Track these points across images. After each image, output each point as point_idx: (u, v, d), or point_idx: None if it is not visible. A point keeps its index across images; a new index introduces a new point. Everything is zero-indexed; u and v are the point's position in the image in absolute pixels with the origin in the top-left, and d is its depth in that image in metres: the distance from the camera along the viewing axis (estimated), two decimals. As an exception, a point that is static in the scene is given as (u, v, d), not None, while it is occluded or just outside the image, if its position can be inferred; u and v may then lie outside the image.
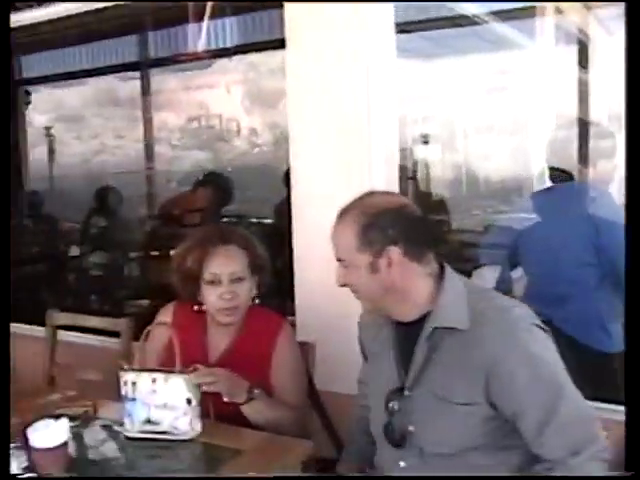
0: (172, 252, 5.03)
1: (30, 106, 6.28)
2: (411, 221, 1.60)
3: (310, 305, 2.69)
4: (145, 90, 5.67)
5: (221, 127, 6.10)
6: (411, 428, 1.59)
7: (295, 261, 2.69)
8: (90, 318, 2.78)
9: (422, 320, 1.61)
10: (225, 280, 2.01)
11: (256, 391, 1.90)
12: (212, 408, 1.89)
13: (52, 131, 6.50)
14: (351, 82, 2.48)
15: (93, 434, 1.86)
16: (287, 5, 2.59)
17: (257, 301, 2.12)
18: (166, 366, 1.91)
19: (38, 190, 5.76)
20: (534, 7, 3.53)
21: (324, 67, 2.52)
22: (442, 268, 1.65)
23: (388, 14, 2.50)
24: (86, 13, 3.56)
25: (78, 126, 6.48)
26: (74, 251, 5.04)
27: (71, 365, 2.78)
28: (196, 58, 5.54)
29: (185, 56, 5.53)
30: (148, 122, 5.73)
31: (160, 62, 5.75)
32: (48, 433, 1.61)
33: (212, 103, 5.95)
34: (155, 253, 5.11)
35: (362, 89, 2.47)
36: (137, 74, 5.85)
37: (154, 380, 1.81)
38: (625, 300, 1.47)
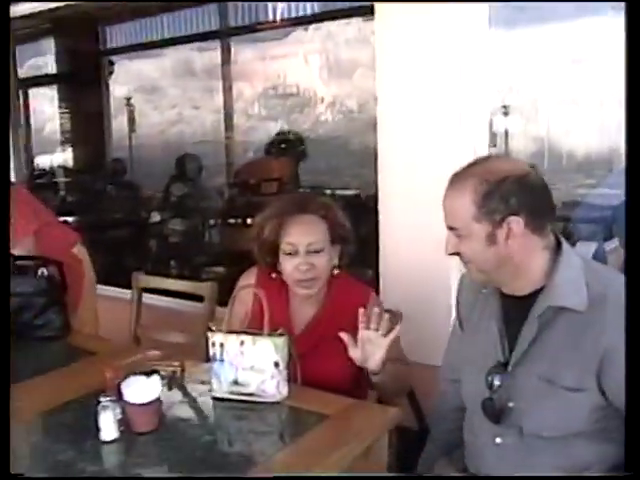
0: (249, 220, 5.17)
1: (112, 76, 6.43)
2: (534, 190, 1.49)
3: (394, 276, 2.67)
4: (224, 60, 5.70)
5: (298, 96, 6.08)
6: (511, 404, 1.54)
7: (380, 231, 2.68)
8: (175, 282, 2.83)
9: (534, 295, 1.53)
10: (302, 251, 1.99)
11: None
12: (299, 371, 1.89)
13: (132, 101, 6.61)
14: (442, 51, 2.43)
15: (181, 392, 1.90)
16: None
17: (336, 272, 2.09)
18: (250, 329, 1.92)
19: (121, 158, 5.89)
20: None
21: (413, 36, 2.47)
22: (559, 242, 1.56)
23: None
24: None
25: (156, 96, 6.59)
26: (155, 217, 5.13)
27: (156, 327, 2.84)
28: (275, 27, 5.56)
29: (265, 24, 5.55)
30: (227, 91, 5.78)
31: (239, 31, 5.77)
32: (141, 389, 1.65)
33: (289, 73, 5.94)
34: (232, 221, 5.20)
35: (453, 57, 2.41)
36: (215, 44, 5.92)
37: (242, 342, 1.82)
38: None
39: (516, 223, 1.47)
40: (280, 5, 5.48)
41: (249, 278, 2.18)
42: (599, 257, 2.72)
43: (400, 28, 2.52)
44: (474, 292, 1.72)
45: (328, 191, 4.99)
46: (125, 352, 2.18)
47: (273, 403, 1.80)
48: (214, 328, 1.88)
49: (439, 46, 2.44)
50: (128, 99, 6.61)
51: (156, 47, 6.10)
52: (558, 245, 1.55)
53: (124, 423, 1.65)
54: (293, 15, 5.54)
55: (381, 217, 2.69)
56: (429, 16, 2.43)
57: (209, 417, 1.83)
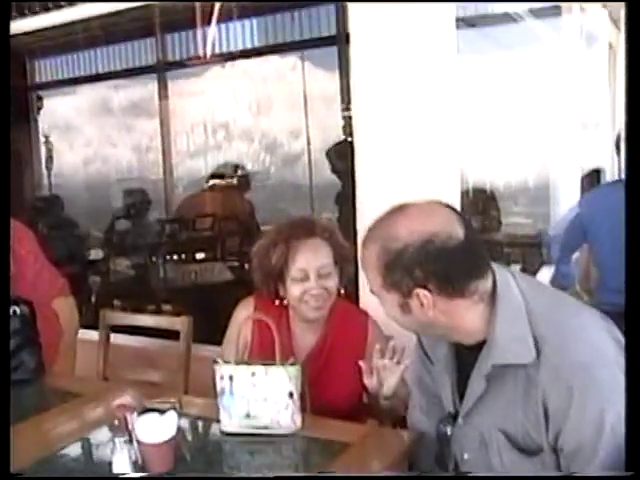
0: (197, 256, 5.05)
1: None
2: (440, 256, 1.29)
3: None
4: (162, 95, 5.60)
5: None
6: (466, 456, 1.48)
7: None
8: (147, 317, 2.71)
9: (481, 346, 1.39)
10: (313, 275, 1.96)
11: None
12: (308, 401, 1.84)
13: (50, 139, 6.42)
14: (413, 75, 2.45)
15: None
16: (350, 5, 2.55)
17: (342, 292, 2.07)
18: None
19: (58, 194, 5.69)
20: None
21: (386, 62, 2.49)
22: (494, 284, 1.37)
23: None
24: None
25: (71, 135, 6.42)
26: (97, 255, 4.95)
27: (126, 366, 2.71)
28: (206, 62, 5.52)
29: (197, 59, 5.51)
30: (164, 127, 5.68)
31: (174, 66, 5.70)
32: (157, 427, 1.55)
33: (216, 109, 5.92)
34: (176, 257, 5.07)
35: (425, 81, 2.44)
36: (143, 80, 5.85)
37: (253, 373, 1.74)
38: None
39: (424, 296, 1.32)
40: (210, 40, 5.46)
41: (246, 308, 2.12)
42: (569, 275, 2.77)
43: (373, 54, 2.53)
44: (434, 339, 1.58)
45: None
46: (114, 392, 2.06)
47: (288, 435, 1.73)
48: (220, 360, 1.80)
49: (410, 71, 2.46)
50: (46, 137, 6.40)
51: (88, 82, 5.94)
52: (494, 289, 1.37)
53: (138, 464, 1.55)
54: (225, 49, 5.52)
55: (358, 225, 2.65)
56: (401, 40, 2.45)
57: (223, 453, 1.74)
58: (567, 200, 5.20)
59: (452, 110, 2.49)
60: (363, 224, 2.56)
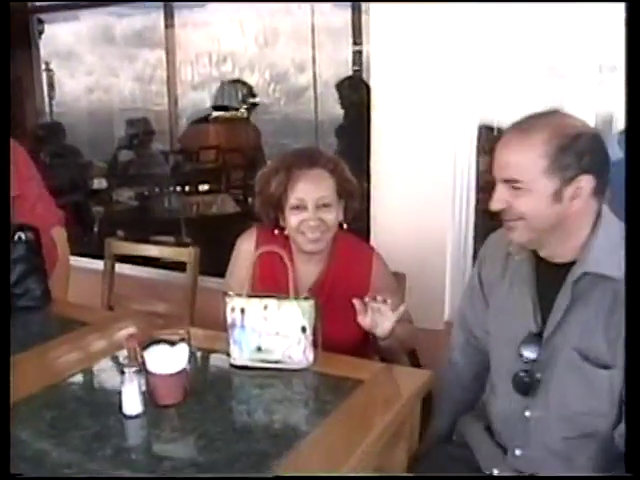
0: (200, 187, 4.99)
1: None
2: (603, 150, 1.41)
3: (386, 236, 2.60)
4: (168, 24, 5.42)
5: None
6: (540, 376, 1.49)
7: (372, 191, 2.60)
8: (153, 247, 2.66)
9: (572, 263, 1.46)
10: (311, 206, 1.91)
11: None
12: (319, 336, 1.80)
13: (51, 66, 6.25)
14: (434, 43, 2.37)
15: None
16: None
17: (345, 227, 2.02)
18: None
19: (59, 121, 5.57)
20: None
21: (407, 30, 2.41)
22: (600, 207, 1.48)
23: None
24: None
25: (72, 63, 6.25)
26: (100, 184, 4.87)
27: (131, 297, 2.68)
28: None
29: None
30: (170, 58, 5.52)
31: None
32: (168, 359, 1.52)
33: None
34: (179, 188, 5.02)
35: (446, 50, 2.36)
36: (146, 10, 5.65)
37: (265, 307, 1.70)
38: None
39: (586, 182, 1.39)
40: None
41: (249, 239, 2.08)
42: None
43: (395, 21, 2.45)
44: (502, 257, 1.64)
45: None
46: (120, 321, 2.04)
47: (300, 370, 1.70)
48: (232, 293, 1.76)
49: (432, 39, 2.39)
50: (47, 64, 6.23)
51: (91, 6, 5.74)
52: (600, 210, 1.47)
53: (148, 395, 1.52)
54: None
55: (373, 179, 2.61)
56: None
57: (232, 387, 1.71)
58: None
59: (467, 49, 2.42)
60: (376, 162, 2.56)
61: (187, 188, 5.11)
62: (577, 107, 5.01)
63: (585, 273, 1.42)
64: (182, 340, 1.80)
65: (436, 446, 1.77)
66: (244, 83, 5.27)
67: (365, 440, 1.40)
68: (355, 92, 4.43)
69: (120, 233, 4.67)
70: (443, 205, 2.54)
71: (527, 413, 1.53)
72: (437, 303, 2.58)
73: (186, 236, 4.60)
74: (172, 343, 1.57)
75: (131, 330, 1.71)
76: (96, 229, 4.75)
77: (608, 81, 5.37)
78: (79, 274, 2.65)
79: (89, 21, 6.01)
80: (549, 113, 1.45)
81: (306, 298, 1.72)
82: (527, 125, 1.43)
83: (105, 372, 1.72)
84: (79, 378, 1.69)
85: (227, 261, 2.14)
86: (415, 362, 2.24)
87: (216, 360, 1.81)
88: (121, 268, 2.78)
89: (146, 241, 4.39)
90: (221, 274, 2.15)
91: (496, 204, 1.47)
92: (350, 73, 4.88)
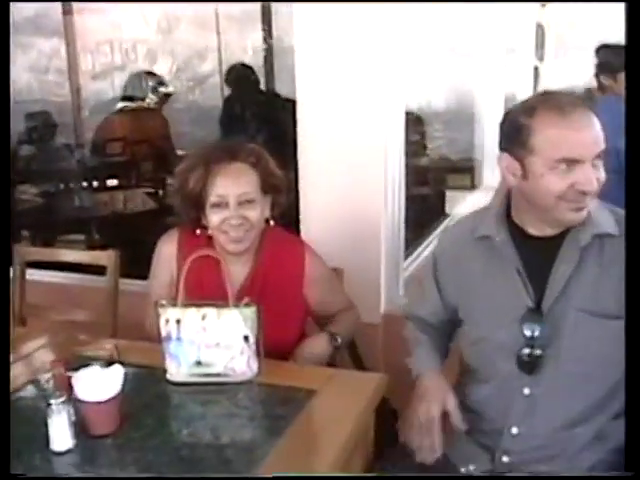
0: (108, 182, 4.73)
1: None
2: None
3: (316, 227, 2.49)
4: (66, 10, 5.09)
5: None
6: (541, 352, 1.46)
7: (300, 180, 2.48)
8: (68, 252, 2.45)
9: (562, 234, 1.47)
10: (232, 202, 1.76)
11: (338, 337, 1.83)
12: (262, 344, 1.67)
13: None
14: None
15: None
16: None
17: (272, 223, 1.90)
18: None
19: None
20: None
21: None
22: None
23: None
24: None
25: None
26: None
27: (47, 305, 2.46)
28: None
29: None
30: (71, 46, 5.21)
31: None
32: (99, 383, 1.36)
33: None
34: (85, 184, 4.76)
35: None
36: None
37: (204, 316, 1.57)
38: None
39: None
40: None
41: (170, 241, 1.93)
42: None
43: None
44: (465, 244, 1.60)
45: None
46: (36, 337, 1.84)
47: (244, 382, 1.57)
48: (164, 302, 1.60)
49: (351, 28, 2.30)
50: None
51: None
52: None
53: (78, 425, 1.35)
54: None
55: (300, 171, 2.48)
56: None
57: (173, 406, 1.57)
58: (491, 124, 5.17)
59: (388, 34, 2.33)
60: (304, 156, 2.44)
61: (95, 183, 4.85)
62: (483, 86, 5.10)
63: (596, 235, 1.44)
64: (110, 357, 1.66)
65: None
66: (153, 74, 5.04)
67: (327, 459, 1.29)
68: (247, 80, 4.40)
69: (25, 233, 4.38)
70: (374, 195, 2.43)
71: (526, 390, 1.49)
72: (373, 296, 2.48)
73: (98, 235, 4.35)
74: (103, 362, 1.42)
75: (50, 354, 1.53)
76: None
77: (510, 62, 5.49)
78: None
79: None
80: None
81: (247, 305, 1.59)
82: (573, 101, 1.41)
83: (24, 401, 1.53)
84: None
85: (143, 261, 2.00)
86: (355, 356, 2.15)
87: (150, 377, 1.64)
88: (30, 274, 2.55)
89: (52, 244, 4.16)
90: (140, 276, 1.97)
91: (594, 183, 1.40)
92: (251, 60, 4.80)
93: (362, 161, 2.40)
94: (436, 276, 1.68)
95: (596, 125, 1.38)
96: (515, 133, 1.42)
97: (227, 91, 4.86)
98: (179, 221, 1.94)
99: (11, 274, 2.44)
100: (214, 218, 1.78)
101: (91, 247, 4.09)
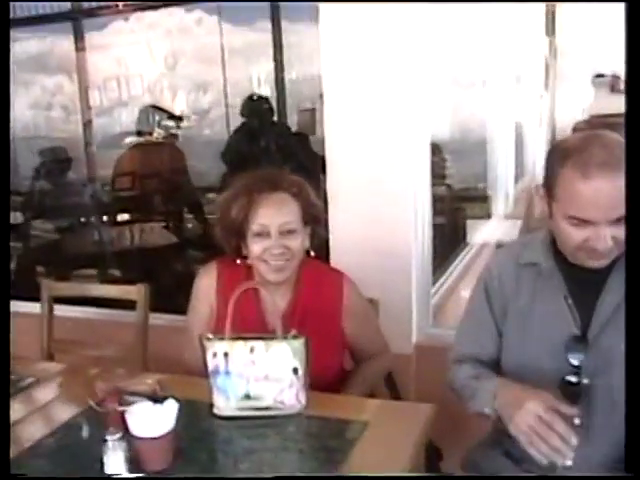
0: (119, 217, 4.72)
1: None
2: None
3: (348, 263, 2.48)
4: (79, 47, 5.13)
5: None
6: (588, 381, 1.44)
7: (329, 204, 2.47)
8: (96, 287, 2.43)
9: (609, 267, 1.44)
10: (274, 232, 1.76)
11: None
12: (309, 377, 1.64)
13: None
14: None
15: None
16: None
17: (312, 254, 1.89)
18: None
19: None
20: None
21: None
22: None
23: None
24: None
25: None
26: (17, 219, 4.52)
27: (74, 341, 2.44)
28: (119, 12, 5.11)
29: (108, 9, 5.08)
30: (82, 82, 5.25)
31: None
32: (153, 419, 1.34)
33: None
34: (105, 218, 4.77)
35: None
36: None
37: (252, 349, 1.55)
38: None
39: None
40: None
41: (209, 274, 1.92)
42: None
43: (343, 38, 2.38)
44: (513, 271, 1.58)
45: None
46: (72, 372, 1.82)
47: (292, 415, 1.55)
48: (212, 336, 1.59)
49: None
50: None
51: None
52: None
53: (132, 460, 1.33)
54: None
55: (329, 196, 2.48)
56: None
57: (223, 441, 1.54)
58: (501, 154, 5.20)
59: (409, 64, 2.36)
60: (333, 188, 2.44)
61: (112, 218, 4.86)
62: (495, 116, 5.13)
63: None
64: (154, 392, 1.64)
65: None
66: (163, 110, 5.08)
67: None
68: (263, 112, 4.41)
69: (40, 269, 4.37)
70: (403, 225, 2.44)
71: (577, 421, 1.40)
72: (405, 326, 2.47)
73: (119, 270, 4.33)
74: (152, 398, 1.40)
75: (103, 386, 1.51)
76: (12, 266, 4.40)
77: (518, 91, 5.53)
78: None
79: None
80: (597, 135, 1.40)
81: (295, 336, 1.57)
82: (609, 158, 1.34)
83: (71, 438, 1.50)
84: (45, 447, 1.47)
85: (168, 295, 1.98)
86: (392, 386, 2.15)
87: (195, 411, 1.61)
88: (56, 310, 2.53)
89: (67, 278, 4.14)
90: (158, 309, 1.93)
91: (608, 243, 1.37)
92: (256, 91, 4.93)
93: (390, 192, 2.41)
94: (490, 303, 1.63)
95: (620, 191, 1.32)
96: (548, 173, 1.43)
97: (234, 122, 4.86)
98: (198, 255, 1.94)
99: (39, 310, 2.44)
100: (255, 247, 1.78)
101: (104, 282, 4.08)
